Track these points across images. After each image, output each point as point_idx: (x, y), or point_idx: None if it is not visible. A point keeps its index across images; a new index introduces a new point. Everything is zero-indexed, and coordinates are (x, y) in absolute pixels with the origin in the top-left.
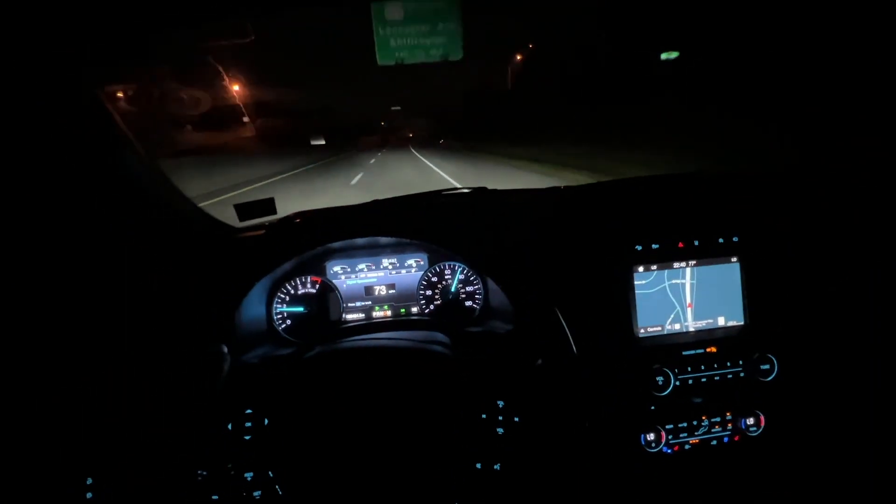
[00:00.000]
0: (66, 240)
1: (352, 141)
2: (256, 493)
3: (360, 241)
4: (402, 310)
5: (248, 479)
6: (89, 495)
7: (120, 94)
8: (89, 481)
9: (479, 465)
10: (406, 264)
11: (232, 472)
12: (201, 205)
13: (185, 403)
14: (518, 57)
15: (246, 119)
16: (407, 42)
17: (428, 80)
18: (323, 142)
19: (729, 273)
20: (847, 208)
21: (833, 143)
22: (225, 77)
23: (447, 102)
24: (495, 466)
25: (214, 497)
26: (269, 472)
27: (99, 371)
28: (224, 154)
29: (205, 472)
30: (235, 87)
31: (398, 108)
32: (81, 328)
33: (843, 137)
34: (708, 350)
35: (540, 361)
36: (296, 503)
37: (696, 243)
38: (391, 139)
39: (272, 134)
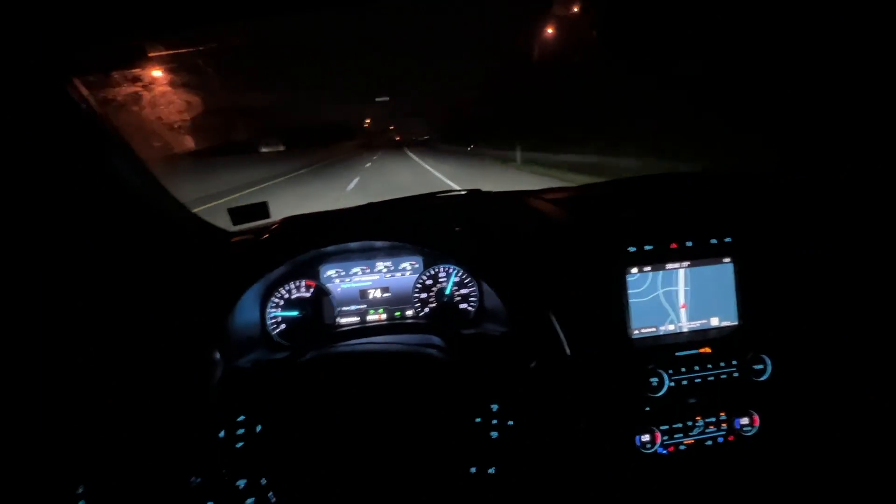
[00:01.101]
0: (56, 245)
1: (322, 147)
2: (249, 501)
3: (354, 244)
4: (397, 313)
5: (241, 486)
6: (81, 503)
7: (111, 98)
8: (80, 489)
9: (473, 470)
10: (401, 267)
11: (226, 479)
12: (196, 210)
13: (177, 410)
14: (549, 30)
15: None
16: None
17: (430, 63)
18: (282, 147)
19: (722, 274)
20: (841, 208)
21: (826, 142)
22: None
23: (458, 93)
24: (490, 471)
25: (210, 503)
26: (262, 480)
27: (89, 377)
28: (219, 158)
29: (199, 480)
30: (156, 73)
31: (385, 98)
32: (71, 335)
33: (836, 137)
34: (702, 351)
35: (534, 364)
36: None
37: (689, 244)
38: (377, 143)
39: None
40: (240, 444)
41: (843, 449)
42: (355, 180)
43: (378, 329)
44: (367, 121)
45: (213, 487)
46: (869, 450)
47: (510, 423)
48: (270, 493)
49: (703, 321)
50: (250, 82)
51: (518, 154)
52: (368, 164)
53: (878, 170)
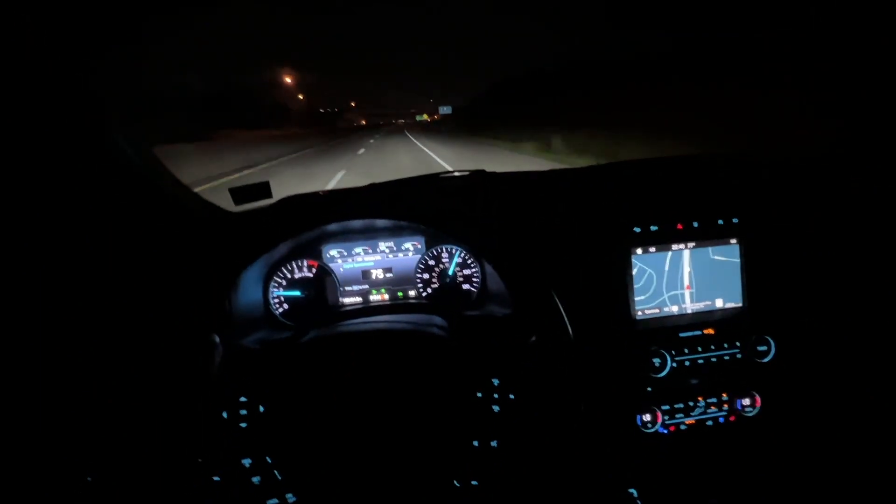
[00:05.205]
0: (54, 224)
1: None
2: (256, 479)
3: (356, 224)
4: (400, 293)
5: (247, 465)
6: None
7: (109, 76)
8: (88, 476)
9: (476, 444)
10: (403, 247)
11: (231, 459)
12: (197, 189)
13: (179, 392)
14: None
15: None
16: None
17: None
18: None
19: (728, 255)
20: (848, 192)
21: (839, 128)
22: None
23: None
24: (492, 444)
25: (216, 478)
26: (267, 458)
27: (90, 359)
28: (221, 140)
29: (203, 458)
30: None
31: None
32: (69, 318)
33: (849, 124)
34: (705, 332)
35: (534, 339)
36: (295, 487)
37: (696, 225)
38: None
39: None
40: (243, 425)
41: (843, 431)
42: None
43: (381, 309)
44: (301, 96)
45: (219, 466)
46: (869, 432)
47: (511, 396)
48: (276, 471)
49: (708, 303)
50: None
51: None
52: None
53: (885, 155)
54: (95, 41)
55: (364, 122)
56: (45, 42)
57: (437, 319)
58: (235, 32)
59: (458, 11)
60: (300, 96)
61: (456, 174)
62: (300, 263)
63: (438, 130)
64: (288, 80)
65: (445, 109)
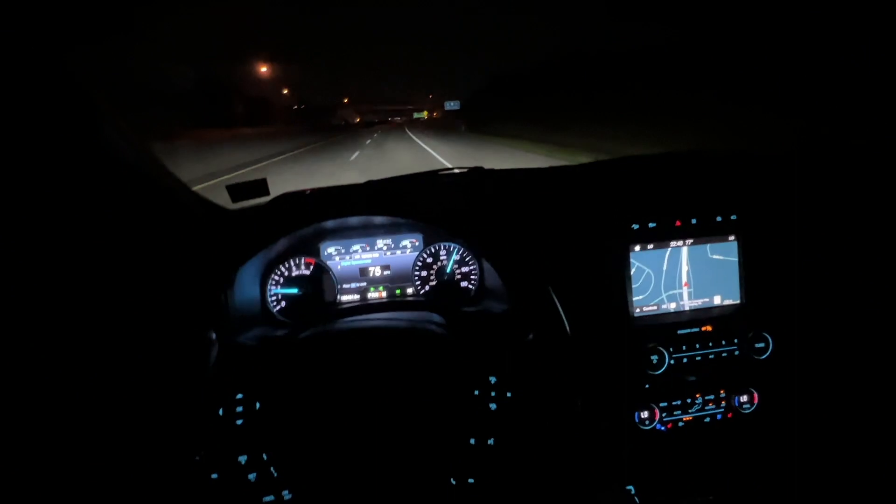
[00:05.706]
0: (47, 221)
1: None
2: (252, 476)
3: (354, 221)
4: (398, 290)
5: (243, 462)
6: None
7: (104, 69)
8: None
9: (473, 441)
10: (401, 245)
11: (227, 455)
12: (195, 188)
13: (174, 390)
14: None
15: None
16: None
17: None
18: None
19: (726, 252)
20: (846, 190)
21: (835, 126)
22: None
23: None
24: (489, 441)
25: (214, 476)
26: (264, 455)
27: (85, 358)
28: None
29: (200, 456)
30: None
31: None
32: (65, 315)
33: (845, 122)
34: (703, 329)
35: (531, 336)
36: (292, 484)
37: (694, 222)
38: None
39: None
40: (240, 422)
41: (841, 427)
42: None
43: (378, 306)
44: (286, 91)
45: (216, 462)
46: (866, 428)
47: (508, 395)
48: (272, 468)
49: (706, 300)
50: None
51: None
52: None
53: (884, 153)
54: (85, 34)
55: (358, 120)
56: (36, 38)
57: (435, 317)
58: (218, 20)
59: (456, 5)
60: (285, 91)
61: (454, 171)
62: (297, 261)
63: (454, 130)
64: (272, 73)
65: (452, 105)
